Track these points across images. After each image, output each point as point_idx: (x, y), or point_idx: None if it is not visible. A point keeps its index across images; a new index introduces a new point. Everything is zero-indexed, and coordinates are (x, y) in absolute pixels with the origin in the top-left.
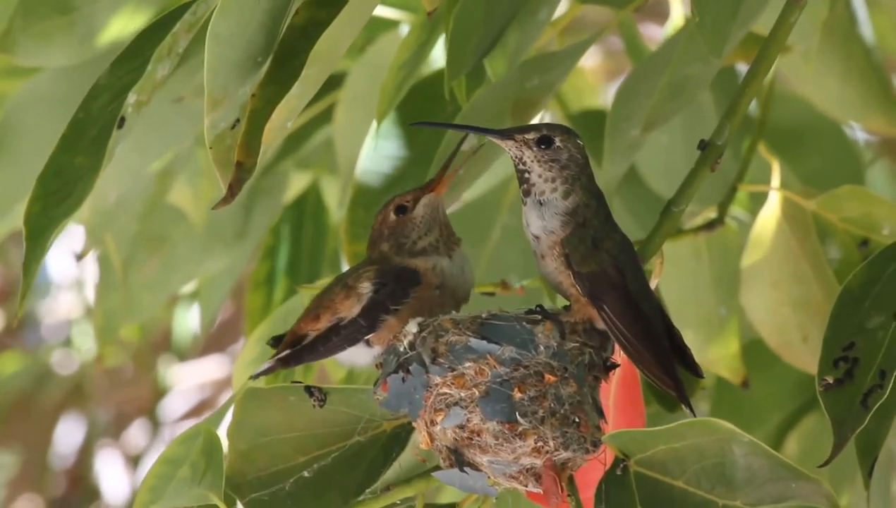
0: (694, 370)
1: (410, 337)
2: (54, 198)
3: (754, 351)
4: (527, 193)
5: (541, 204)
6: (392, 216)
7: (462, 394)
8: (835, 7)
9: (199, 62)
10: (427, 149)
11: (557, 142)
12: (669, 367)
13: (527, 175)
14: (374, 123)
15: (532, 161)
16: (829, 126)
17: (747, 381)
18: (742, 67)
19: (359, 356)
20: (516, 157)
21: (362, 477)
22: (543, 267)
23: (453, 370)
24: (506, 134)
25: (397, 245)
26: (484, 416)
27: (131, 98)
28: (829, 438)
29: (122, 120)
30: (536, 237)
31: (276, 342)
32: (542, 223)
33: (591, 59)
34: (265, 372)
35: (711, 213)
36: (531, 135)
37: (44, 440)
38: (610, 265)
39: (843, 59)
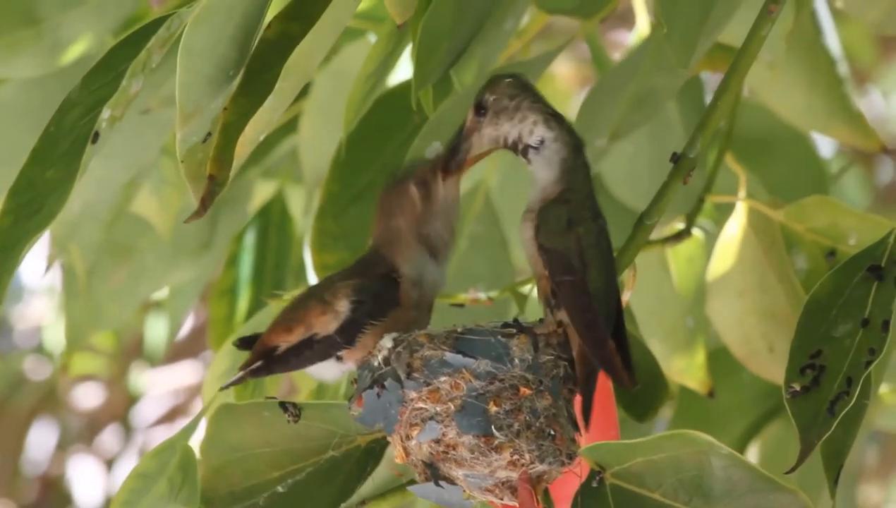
0: (630, 380)
1: (385, 352)
2: (26, 211)
3: (719, 360)
4: (525, 152)
5: (539, 146)
6: (414, 191)
7: (437, 409)
8: (800, 18)
9: (166, 73)
10: (394, 159)
11: (487, 98)
12: (607, 358)
13: (509, 141)
14: (341, 133)
15: (495, 128)
16: (794, 136)
17: (713, 392)
18: (707, 76)
19: (327, 370)
20: (491, 141)
21: (337, 492)
22: (526, 247)
23: (428, 384)
24: (461, 140)
25: (421, 225)
26: (459, 430)
27: (105, 113)
28: (793, 446)
29: (97, 135)
30: (537, 193)
31: (243, 344)
32: (546, 173)
33: (563, 67)
34: (235, 382)
35: (678, 224)
36: (470, 119)
37: (16, 445)
38: (574, 252)
39: (809, 70)
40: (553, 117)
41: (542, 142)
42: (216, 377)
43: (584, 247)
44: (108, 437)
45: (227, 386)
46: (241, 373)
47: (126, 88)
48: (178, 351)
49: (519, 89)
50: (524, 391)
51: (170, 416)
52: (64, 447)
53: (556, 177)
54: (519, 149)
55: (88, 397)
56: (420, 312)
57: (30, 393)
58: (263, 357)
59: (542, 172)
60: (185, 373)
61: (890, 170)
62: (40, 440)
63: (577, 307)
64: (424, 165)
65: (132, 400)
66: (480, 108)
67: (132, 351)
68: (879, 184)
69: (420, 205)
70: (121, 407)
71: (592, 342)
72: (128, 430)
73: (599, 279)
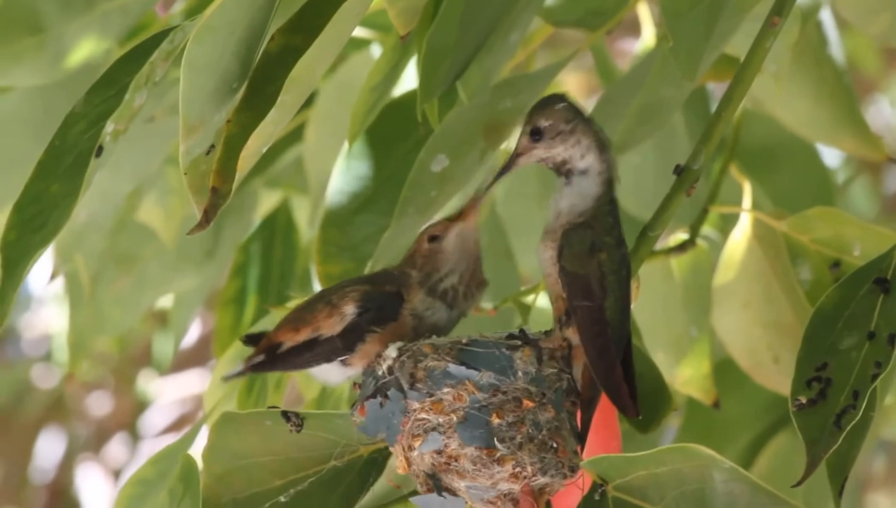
0: (634, 409)
1: (389, 362)
2: (31, 226)
3: (725, 371)
4: (568, 174)
5: (584, 173)
6: (426, 245)
7: (440, 420)
8: (805, 29)
9: (170, 82)
10: (399, 170)
11: (543, 123)
12: (615, 387)
13: (556, 161)
14: (346, 144)
15: (548, 150)
16: (800, 146)
17: (718, 402)
18: (712, 86)
19: (332, 373)
20: (538, 161)
21: (339, 502)
22: (544, 268)
23: (431, 395)
24: (511, 162)
25: (427, 275)
26: (462, 442)
27: (109, 127)
28: (799, 458)
29: (101, 148)
30: (558, 214)
31: (250, 340)
32: (578, 200)
33: (571, 76)
34: (237, 375)
35: (683, 234)
36: (524, 143)
37: (24, 454)
38: (595, 278)
39: (814, 81)
40: (604, 146)
41: (587, 169)
42: (218, 384)
43: (604, 272)
44: (116, 446)
45: (228, 378)
46: (242, 367)
47: (130, 102)
48: (186, 360)
49: (573, 113)
50: (527, 403)
51: (177, 425)
52: (72, 455)
53: (586, 206)
54: (563, 170)
55: (96, 405)
56: (416, 335)
57: (38, 401)
58: (266, 353)
59: (574, 198)
60: (192, 382)
61: None
62: (48, 448)
63: (592, 333)
64: (448, 218)
65: (140, 408)
66: (536, 133)
67: (140, 359)
68: (887, 193)
69: (427, 257)
70: (128, 416)
71: (602, 369)
72: (135, 439)
73: (616, 306)
